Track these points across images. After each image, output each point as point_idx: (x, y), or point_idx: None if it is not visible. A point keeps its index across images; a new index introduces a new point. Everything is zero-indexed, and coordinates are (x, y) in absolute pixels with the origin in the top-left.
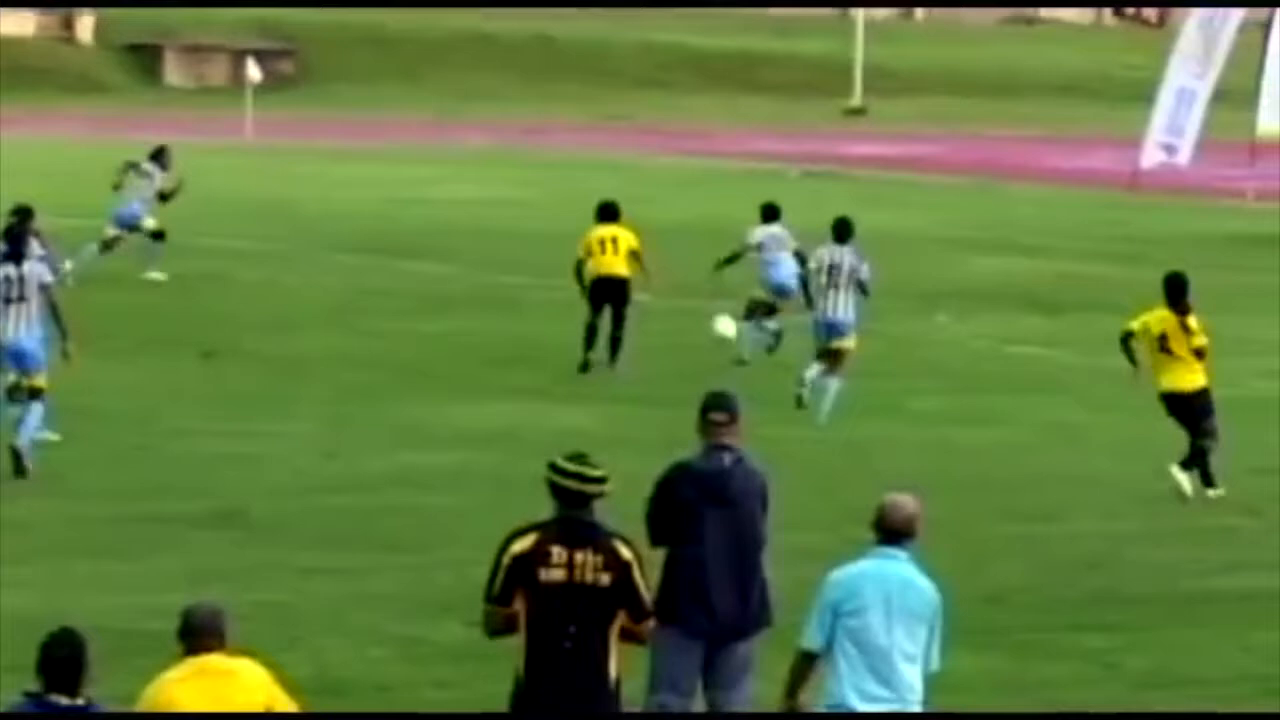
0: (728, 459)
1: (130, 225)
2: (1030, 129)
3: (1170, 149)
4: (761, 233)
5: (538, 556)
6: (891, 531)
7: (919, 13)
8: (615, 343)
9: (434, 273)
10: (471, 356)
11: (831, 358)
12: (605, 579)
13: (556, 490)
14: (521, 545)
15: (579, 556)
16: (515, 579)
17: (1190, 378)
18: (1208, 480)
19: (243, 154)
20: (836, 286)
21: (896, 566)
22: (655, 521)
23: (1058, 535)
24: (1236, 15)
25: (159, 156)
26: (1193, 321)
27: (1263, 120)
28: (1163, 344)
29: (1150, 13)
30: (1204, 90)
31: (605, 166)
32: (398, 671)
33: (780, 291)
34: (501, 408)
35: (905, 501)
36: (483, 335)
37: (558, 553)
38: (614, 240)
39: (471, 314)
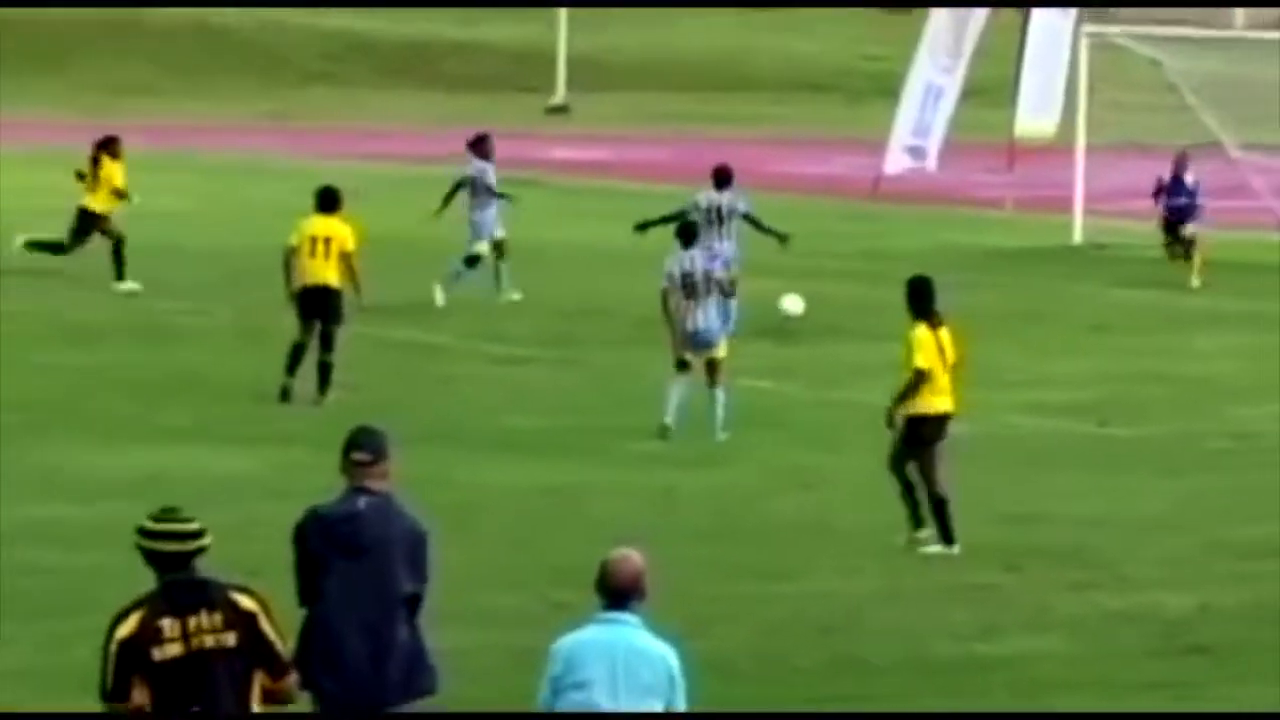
0: (363, 502)
1: None
2: (759, 129)
3: (917, 152)
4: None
5: (147, 636)
6: (616, 593)
7: None
8: (323, 370)
9: (77, 297)
10: (119, 393)
11: (708, 370)
12: (230, 639)
13: (151, 556)
14: (126, 628)
15: (193, 622)
16: (128, 667)
17: (949, 399)
18: (948, 537)
19: None
20: (696, 296)
21: (624, 633)
22: (297, 576)
23: (790, 594)
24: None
25: None
26: (946, 334)
27: (1021, 119)
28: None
29: None
30: (954, 85)
31: (271, 172)
32: None
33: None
34: (152, 452)
35: (629, 557)
36: (132, 368)
37: (169, 625)
38: (326, 241)
39: (120, 345)
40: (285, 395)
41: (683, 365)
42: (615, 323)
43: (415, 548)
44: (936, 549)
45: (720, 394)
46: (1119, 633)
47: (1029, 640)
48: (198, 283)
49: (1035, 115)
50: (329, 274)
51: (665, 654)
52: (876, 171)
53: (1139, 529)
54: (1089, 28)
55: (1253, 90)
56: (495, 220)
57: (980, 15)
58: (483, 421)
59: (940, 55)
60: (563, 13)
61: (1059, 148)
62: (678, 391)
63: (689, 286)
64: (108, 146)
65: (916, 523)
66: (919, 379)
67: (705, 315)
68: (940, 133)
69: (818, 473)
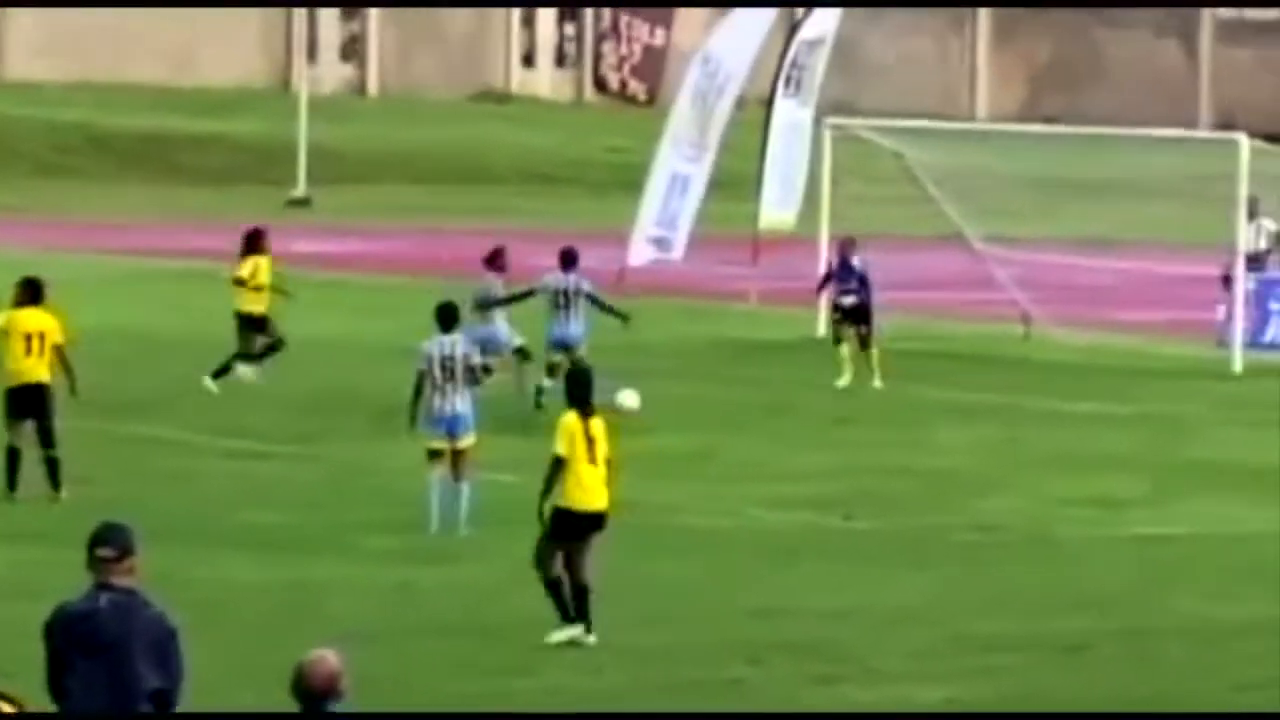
0: (103, 599)
1: None
2: (502, 220)
3: (663, 243)
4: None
5: None
6: (310, 695)
7: (372, 88)
8: (51, 466)
9: None
10: None
11: (453, 461)
12: None
13: None
14: None
15: None
16: None
17: (598, 496)
18: (586, 624)
19: None
20: (452, 381)
21: None
22: (46, 674)
23: (528, 690)
24: (732, 91)
25: None
26: (599, 426)
27: (765, 212)
28: (588, 453)
29: (638, 89)
30: (700, 176)
31: (2, 265)
32: None
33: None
34: None
35: (324, 658)
36: None
37: None
38: (40, 336)
39: None
40: (11, 486)
41: (435, 455)
42: (354, 416)
43: (160, 643)
44: (567, 634)
45: (465, 487)
46: None
47: None
48: None
49: (778, 208)
50: (41, 371)
51: None
52: (621, 263)
53: (886, 622)
54: (831, 120)
55: (994, 181)
56: (510, 330)
57: (725, 107)
58: (222, 517)
59: (684, 146)
60: (303, 103)
61: (803, 240)
62: (436, 491)
63: (446, 370)
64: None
65: (563, 617)
66: (555, 466)
67: (459, 401)
68: (687, 223)
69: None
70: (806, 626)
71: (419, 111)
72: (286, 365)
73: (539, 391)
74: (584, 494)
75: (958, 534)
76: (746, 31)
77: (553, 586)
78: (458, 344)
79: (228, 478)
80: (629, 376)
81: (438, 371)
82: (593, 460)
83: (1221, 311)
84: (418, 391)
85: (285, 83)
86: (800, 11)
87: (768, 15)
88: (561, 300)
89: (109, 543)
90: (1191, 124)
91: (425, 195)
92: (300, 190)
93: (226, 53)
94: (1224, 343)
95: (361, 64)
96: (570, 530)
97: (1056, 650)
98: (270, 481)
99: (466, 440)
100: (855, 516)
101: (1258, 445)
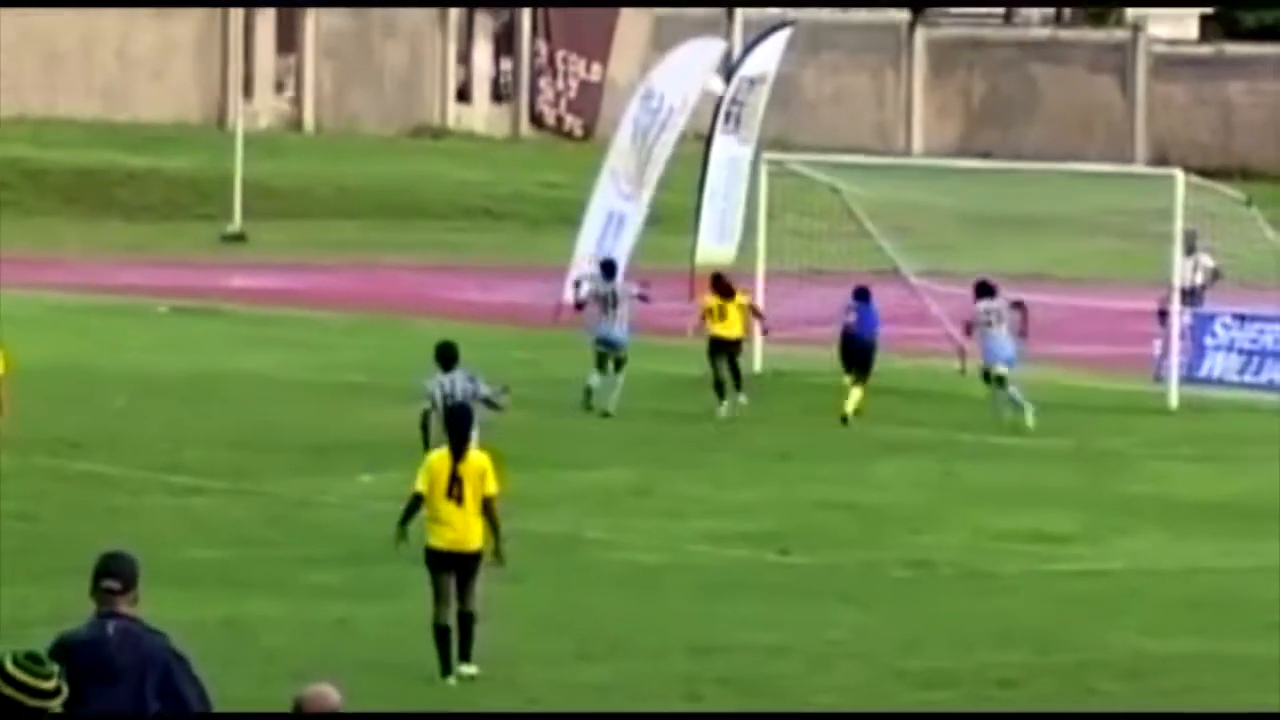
0: (111, 627)
1: None
2: (436, 256)
3: (598, 279)
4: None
5: None
6: None
7: (308, 124)
8: None
9: None
10: None
11: None
12: None
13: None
14: None
15: None
16: None
17: (458, 534)
18: (465, 654)
19: None
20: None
21: None
22: None
23: None
24: (674, 127)
25: None
26: (476, 466)
27: (702, 247)
28: (449, 490)
29: (575, 124)
30: (636, 213)
31: None
32: None
33: None
34: None
35: (326, 693)
36: None
37: None
38: None
39: None
40: None
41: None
42: (291, 452)
43: (170, 666)
44: (467, 671)
45: None
46: None
47: None
48: None
49: (716, 243)
50: None
51: None
52: (558, 299)
53: (822, 658)
54: (769, 155)
55: (930, 216)
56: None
57: (665, 143)
58: (161, 553)
59: (622, 183)
60: (239, 139)
61: (740, 276)
62: None
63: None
64: None
65: (443, 671)
66: (413, 501)
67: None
68: (624, 260)
69: (496, 602)
70: (744, 662)
71: (355, 147)
72: (223, 401)
73: (587, 393)
74: (450, 533)
75: (894, 569)
76: (689, 67)
77: (438, 633)
78: (457, 381)
79: (167, 514)
80: (568, 412)
81: (443, 410)
82: (457, 500)
83: (1158, 346)
84: (424, 427)
85: (221, 118)
86: (739, 50)
87: (712, 51)
88: (611, 300)
89: (115, 575)
90: (1127, 159)
91: (361, 230)
92: (236, 225)
93: (162, 88)
94: (1160, 378)
95: (297, 100)
96: (442, 567)
97: (992, 685)
98: (208, 517)
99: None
100: (792, 552)
101: (1193, 480)
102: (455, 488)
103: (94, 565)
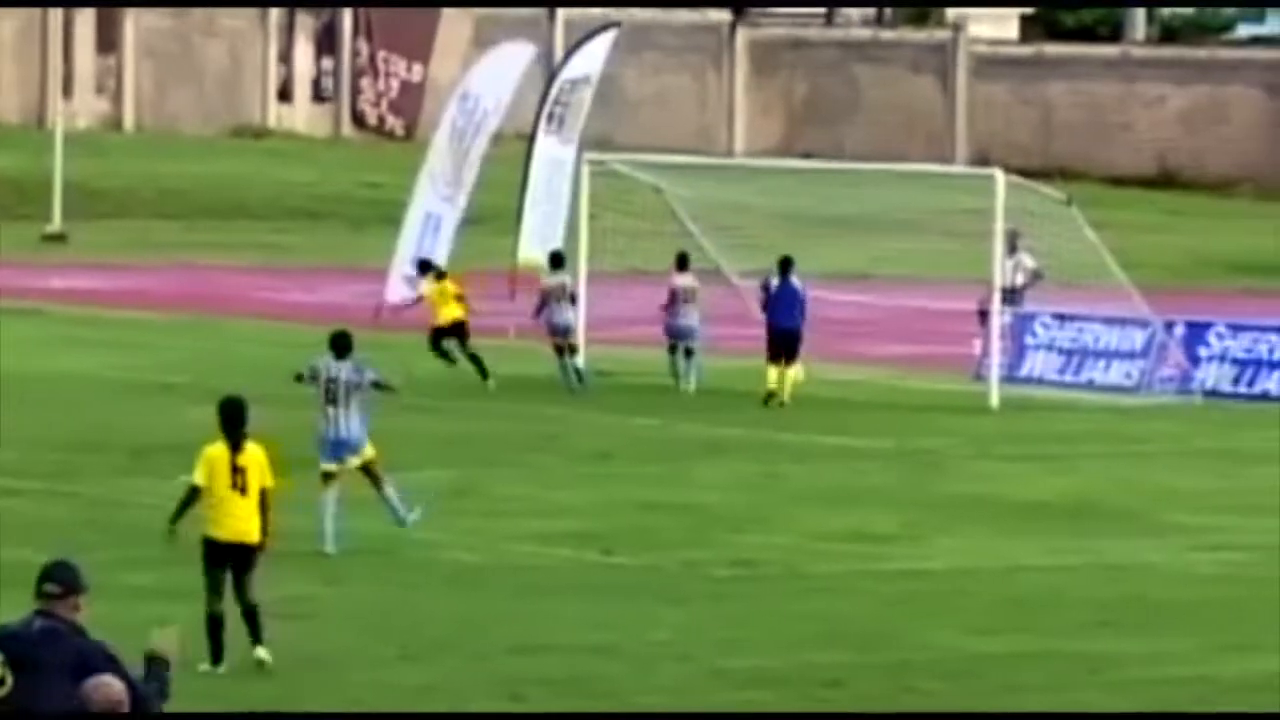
0: (37, 624)
1: None
2: (257, 257)
3: (413, 282)
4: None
5: None
6: None
7: (129, 124)
8: None
9: None
10: None
11: (367, 475)
12: None
13: None
14: None
15: None
16: None
17: (242, 525)
18: (258, 638)
19: None
20: (336, 404)
21: None
22: None
23: None
24: (489, 128)
25: None
26: (253, 458)
27: (524, 247)
28: (233, 481)
29: (396, 124)
30: (453, 213)
31: None
32: None
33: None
34: None
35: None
36: None
37: None
38: None
39: None
40: None
41: (327, 477)
42: (111, 453)
43: (89, 667)
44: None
45: (390, 490)
46: None
47: None
48: None
49: (537, 243)
50: None
51: None
52: (379, 299)
53: (645, 658)
54: (589, 155)
55: (752, 216)
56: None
57: (482, 144)
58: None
59: (440, 184)
60: (59, 138)
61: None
62: (329, 512)
63: (330, 392)
64: None
65: (214, 659)
66: (190, 494)
67: (347, 424)
68: (442, 261)
69: (317, 603)
70: (567, 662)
71: (176, 147)
72: (41, 402)
73: (577, 374)
74: (231, 523)
75: (716, 569)
76: (504, 69)
77: (211, 622)
78: (343, 370)
79: None
80: (389, 412)
81: (322, 392)
82: (241, 490)
83: (978, 346)
84: (299, 378)
85: (40, 118)
86: (560, 50)
87: (526, 53)
88: (559, 294)
89: (56, 579)
90: (948, 159)
91: (182, 231)
92: (56, 226)
93: None
94: (980, 377)
95: (117, 99)
96: (221, 559)
97: (815, 685)
98: (23, 519)
99: (355, 461)
100: (615, 552)
101: (1014, 479)
102: (238, 478)
103: (39, 571)
